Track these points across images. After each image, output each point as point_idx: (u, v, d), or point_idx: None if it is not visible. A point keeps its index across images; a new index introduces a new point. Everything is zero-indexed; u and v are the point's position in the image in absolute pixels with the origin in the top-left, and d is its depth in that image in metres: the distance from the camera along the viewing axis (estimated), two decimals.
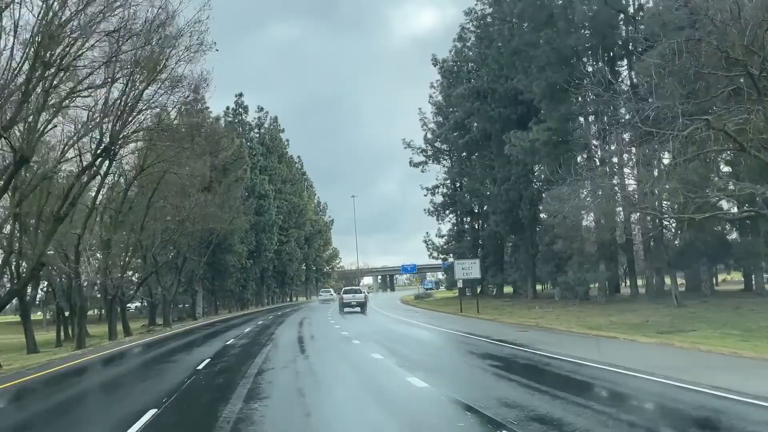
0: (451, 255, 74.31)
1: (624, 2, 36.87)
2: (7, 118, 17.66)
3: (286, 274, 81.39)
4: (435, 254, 78.89)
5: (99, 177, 29.75)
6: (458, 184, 70.69)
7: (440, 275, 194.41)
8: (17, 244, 24.32)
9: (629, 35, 35.46)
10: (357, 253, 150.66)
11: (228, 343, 23.24)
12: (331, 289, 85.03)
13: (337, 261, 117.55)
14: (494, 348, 17.07)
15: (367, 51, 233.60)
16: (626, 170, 28.77)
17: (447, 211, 73.42)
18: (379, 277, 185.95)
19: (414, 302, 64.81)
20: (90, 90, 21.74)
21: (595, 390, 10.45)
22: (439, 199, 71.68)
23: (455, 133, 57.49)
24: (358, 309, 41.69)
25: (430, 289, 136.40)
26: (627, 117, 23.18)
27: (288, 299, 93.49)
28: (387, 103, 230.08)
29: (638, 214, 27.48)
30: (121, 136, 24.40)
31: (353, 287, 54.13)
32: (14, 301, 27.79)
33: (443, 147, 69.80)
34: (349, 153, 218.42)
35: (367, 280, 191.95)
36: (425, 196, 72.96)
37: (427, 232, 78.39)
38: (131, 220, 36.01)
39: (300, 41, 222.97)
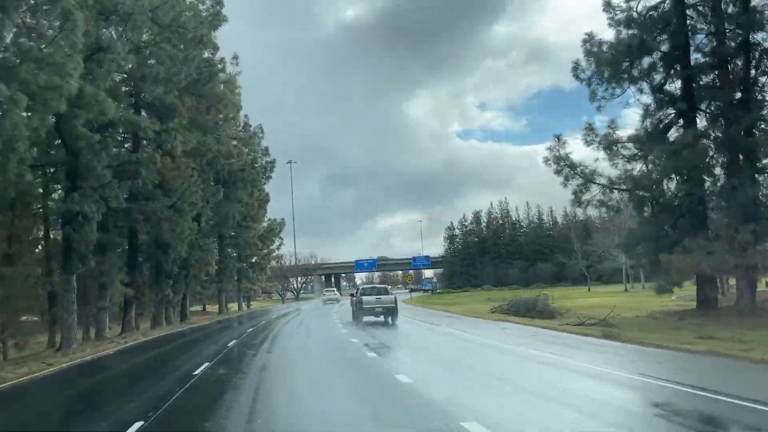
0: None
1: None
2: None
3: (168, 251, 30.02)
4: (584, 186, 30.18)
5: None
6: None
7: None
8: None
9: None
10: (294, 241, 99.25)
11: None
12: (334, 289, 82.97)
13: (276, 245, 66.21)
14: None
15: (290, 37, 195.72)
16: None
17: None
18: (323, 277, 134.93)
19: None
20: None
21: None
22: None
23: None
24: (381, 318, 27.63)
25: (429, 290, 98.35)
26: None
27: (179, 313, 40.46)
28: (310, 94, 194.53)
29: None
30: None
31: (376, 285, 37.90)
32: None
33: None
34: (274, 147, 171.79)
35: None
36: None
37: (559, 137, 29.15)
38: None
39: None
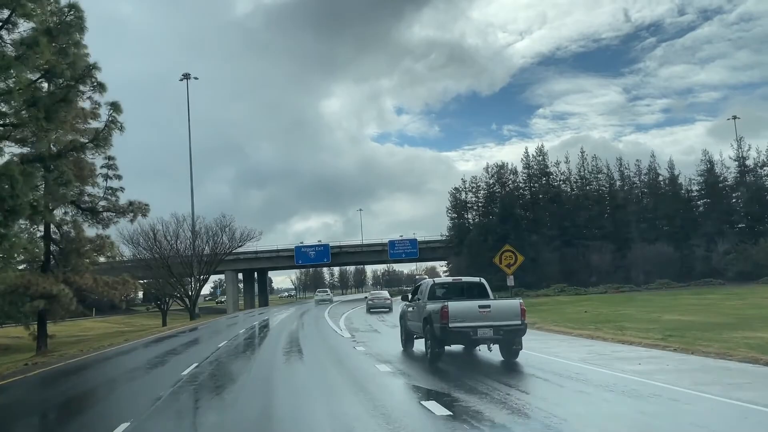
0: None
1: None
2: None
3: None
4: None
5: None
6: None
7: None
8: None
9: None
10: (192, 196, 53.83)
11: None
12: (327, 290, 78.57)
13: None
14: None
15: (200, 18, 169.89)
16: None
17: None
18: (240, 275, 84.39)
19: None
20: None
21: None
22: None
23: None
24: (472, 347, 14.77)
25: None
26: None
27: None
28: (221, 85, 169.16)
29: None
30: None
31: (461, 279, 16.34)
32: None
33: None
34: (174, 147, 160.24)
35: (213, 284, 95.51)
36: None
37: None
38: None
39: (119, 11, 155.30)
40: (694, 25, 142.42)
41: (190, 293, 49.93)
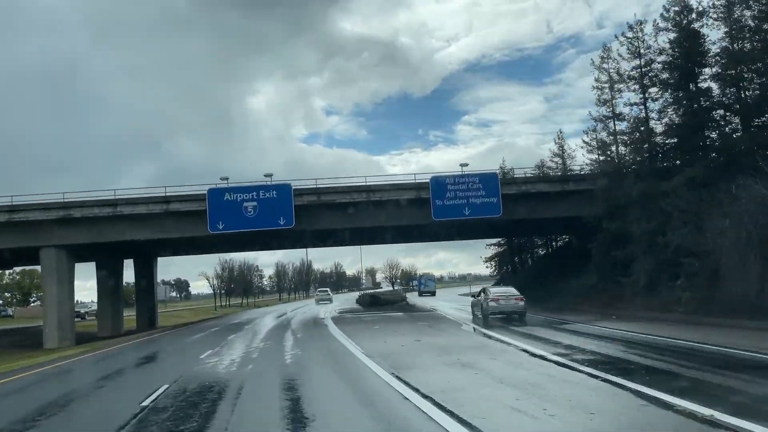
0: None
1: None
2: None
3: None
4: None
5: None
6: None
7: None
8: None
9: None
10: None
11: None
12: (328, 289, 74.64)
13: None
14: None
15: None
16: None
17: None
18: (92, 263, 37.65)
19: None
20: None
21: None
22: None
23: None
24: None
25: (428, 292, 67.33)
26: None
27: None
28: (139, 72, 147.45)
29: None
30: None
31: None
32: None
33: None
34: (87, 140, 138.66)
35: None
36: None
37: None
38: None
39: None
40: (611, 38, 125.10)
41: None
